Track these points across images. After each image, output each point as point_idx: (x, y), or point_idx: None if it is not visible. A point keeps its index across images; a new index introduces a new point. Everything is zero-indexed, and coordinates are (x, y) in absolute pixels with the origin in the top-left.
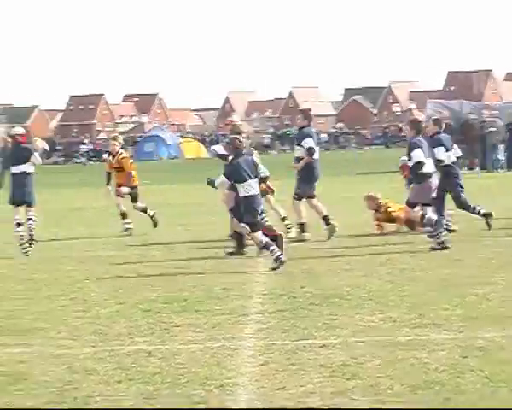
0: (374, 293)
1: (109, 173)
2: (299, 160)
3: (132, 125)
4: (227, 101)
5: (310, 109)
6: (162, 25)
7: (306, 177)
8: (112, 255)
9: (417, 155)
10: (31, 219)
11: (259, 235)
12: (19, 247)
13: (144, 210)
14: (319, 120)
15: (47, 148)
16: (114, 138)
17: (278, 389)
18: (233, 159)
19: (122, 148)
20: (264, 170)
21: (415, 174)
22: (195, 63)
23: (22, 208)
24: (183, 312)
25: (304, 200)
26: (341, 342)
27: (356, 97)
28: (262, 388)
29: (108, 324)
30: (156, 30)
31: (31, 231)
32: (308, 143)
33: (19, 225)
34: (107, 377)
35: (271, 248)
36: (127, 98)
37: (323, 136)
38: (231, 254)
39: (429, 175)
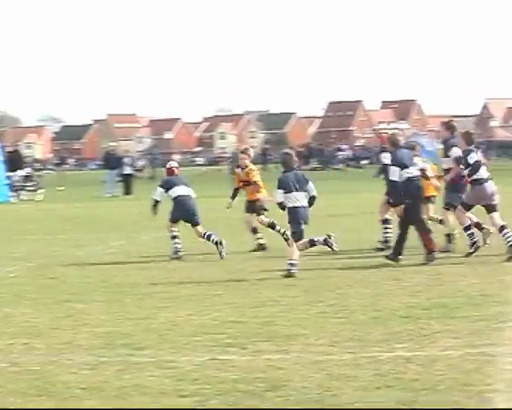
0: None
1: (237, 189)
2: (447, 171)
3: (390, 132)
4: (485, 107)
5: (451, 120)
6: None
7: (454, 186)
8: (369, 262)
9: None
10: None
11: (294, 246)
12: (172, 256)
13: (272, 226)
14: None
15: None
16: (243, 151)
17: None
18: (284, 172)
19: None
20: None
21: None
22: (453, 69)
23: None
24: (442, 318)
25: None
26: None
27: None
28: None
29: (367, 330)
30: (411, 39)
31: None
32: (455, 152)
33: (174, 237)
34: (365, 384)
35: (293, 262)
36: (385, 104)
37: None
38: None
39: (484, 180)
